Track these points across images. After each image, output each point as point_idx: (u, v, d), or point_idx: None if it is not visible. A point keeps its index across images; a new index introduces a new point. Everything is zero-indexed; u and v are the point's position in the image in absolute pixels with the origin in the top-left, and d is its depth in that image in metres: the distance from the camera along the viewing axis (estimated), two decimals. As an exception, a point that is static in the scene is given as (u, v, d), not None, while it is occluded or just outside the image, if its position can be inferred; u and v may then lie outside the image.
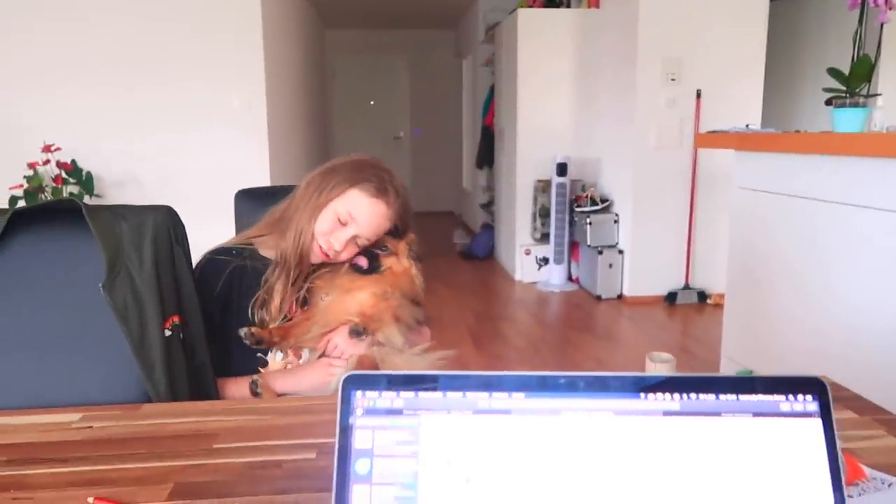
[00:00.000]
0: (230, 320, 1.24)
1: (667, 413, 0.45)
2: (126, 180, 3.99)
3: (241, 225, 1.49)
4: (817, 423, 0.44)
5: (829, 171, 2.08)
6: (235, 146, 4.07)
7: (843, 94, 2.16)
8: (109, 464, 0.78)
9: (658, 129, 4.21)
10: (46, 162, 3.69)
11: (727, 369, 2.64)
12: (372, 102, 9.04)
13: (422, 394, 0.46)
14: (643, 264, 4.38)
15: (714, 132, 2.83)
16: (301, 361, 1.29)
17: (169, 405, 0.98)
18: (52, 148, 3.67)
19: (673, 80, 4.16)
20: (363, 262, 1.31)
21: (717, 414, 0.45)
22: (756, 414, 0.44)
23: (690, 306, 4.28)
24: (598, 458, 0.44)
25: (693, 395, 0.45)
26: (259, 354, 1.26)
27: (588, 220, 4.47)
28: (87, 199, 3.47)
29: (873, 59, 2.12)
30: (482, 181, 6.67)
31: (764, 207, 2.41)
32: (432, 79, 8.91)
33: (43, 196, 3.66)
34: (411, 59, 8.95)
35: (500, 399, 0.46)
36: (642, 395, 0.45)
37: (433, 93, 8.92)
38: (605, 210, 4.56)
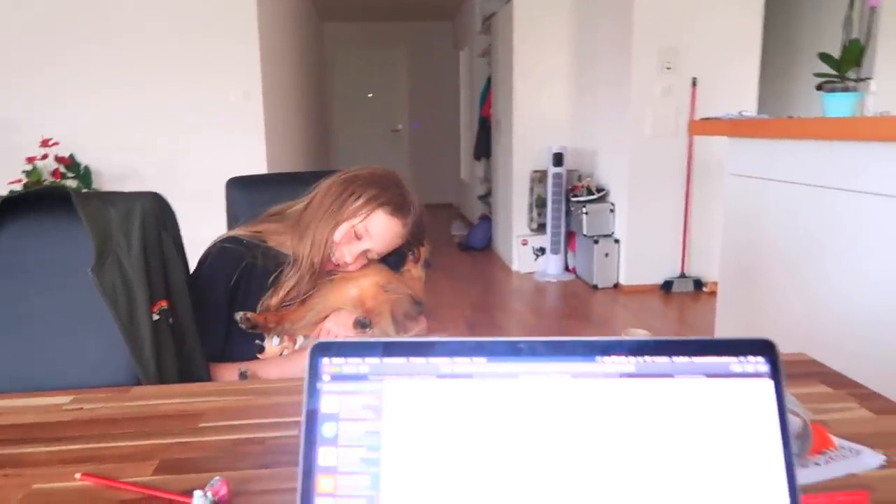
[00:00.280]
0: (232, 311, 1.25)
1: (623, 375, 0.46)
2: (124, 174, 4.00)
3: (232, 213, 1.50)
4: (768, 383, 0.46)
5: (821, 157, 2.09)
6: (233, 139, 4.08)
7: (834, 79, 2.17)
8: (98, 442, 0.80)
9: (654, 118, 4.21)
10: (45, 156, 3.70)
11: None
12: (370, 95, 9.03)
13: (386, 359, 0.48)
14: (639, 253, 4.39)
15: (708, 119, 2.83)
16: (297, 347, 1.31)
17: (157, 387, 1.00)
18: (51, 142, 3.68)
19: (668, 68, 4.15)
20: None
21: (671, 375, 0.46)
22: (709, 375, 0.46)
23: (686, 294, 4.30)
24: (557, 420, 0.46)
25: (648, 358, 0.46)
26: (256, 341, 1.27)
27: (584, 210, 4.47)
28: (84, 193, 3.47)
29: (864, 44, 2.12)
30: (480, 172, 6.67)
31: (757, 194, 2.42)
32: (430, 71, 8.89)
33: (41, 191, 3.66)
34: (409, 51, 8.93)
35: (462, 364, 0.47)
36: (599, 358, 0.47)
37: (431, 85, 8.90)
38: (602, 199, 4.57)
